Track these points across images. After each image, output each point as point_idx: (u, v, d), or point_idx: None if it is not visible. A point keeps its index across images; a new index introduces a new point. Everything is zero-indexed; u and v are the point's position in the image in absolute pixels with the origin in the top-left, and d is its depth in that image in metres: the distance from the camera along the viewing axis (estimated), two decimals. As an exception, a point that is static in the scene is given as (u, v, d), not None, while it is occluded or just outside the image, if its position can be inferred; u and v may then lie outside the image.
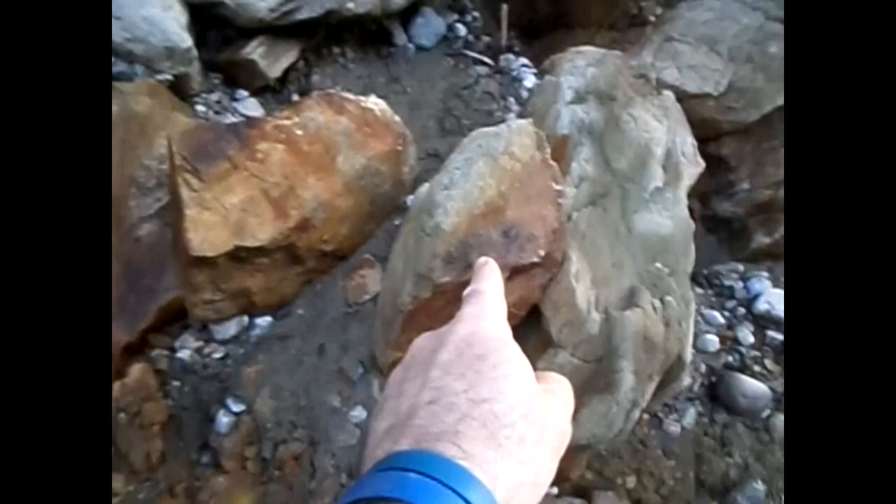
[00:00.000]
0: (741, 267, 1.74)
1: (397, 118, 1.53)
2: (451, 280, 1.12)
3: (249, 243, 1.18)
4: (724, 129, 1.60)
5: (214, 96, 1.65)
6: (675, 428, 1.46)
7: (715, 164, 1.71)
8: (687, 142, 1.48)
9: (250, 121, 1.29)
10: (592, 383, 1.12)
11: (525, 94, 1.83)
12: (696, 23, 1.64)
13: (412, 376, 0.34)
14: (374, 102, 1.50)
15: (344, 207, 1.42)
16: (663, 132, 1.42)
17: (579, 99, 1.54)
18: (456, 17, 1.94)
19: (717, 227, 1.80)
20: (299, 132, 1.33)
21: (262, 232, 1.21)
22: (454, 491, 0.27)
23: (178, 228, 1.18)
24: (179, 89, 1.53)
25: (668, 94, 1.58)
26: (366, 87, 1.81)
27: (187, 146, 1.15)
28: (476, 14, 1.98)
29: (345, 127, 1.41)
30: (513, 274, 1.13)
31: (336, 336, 1.40)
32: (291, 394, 1.34)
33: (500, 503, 0.28)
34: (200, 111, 1.60)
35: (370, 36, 1.86)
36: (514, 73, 1.87)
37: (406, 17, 1.87)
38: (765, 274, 1.71)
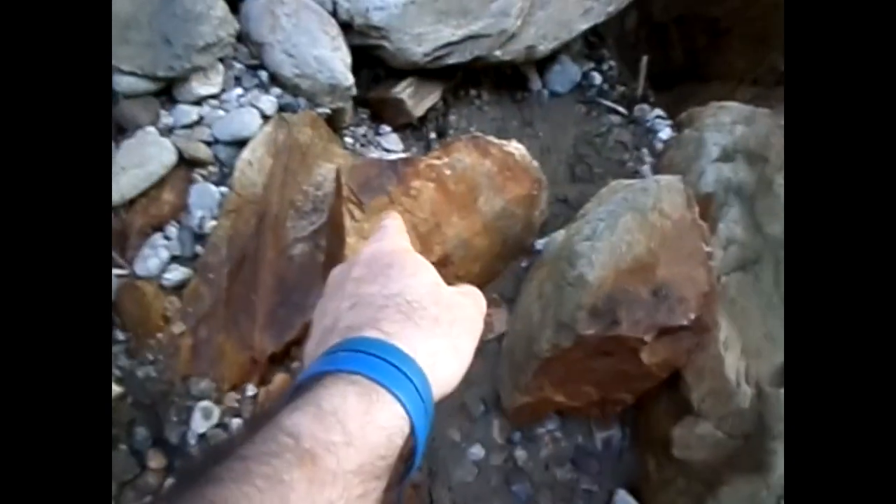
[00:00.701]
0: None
1: (535, 163, 1.55)
2: (595, 333, 1.11)
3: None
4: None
5: (361, 130, 1.76)
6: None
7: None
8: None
9: (407, 159, 1.36)
10: (738, 461, 1.06)
11: (659, 146, 1.80)
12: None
13: (331, 295, 0.40)
14: (516, 147, 1.53)
15: (480, 246, 1.45)
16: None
17: (726, 157, 1.50)
18: (592, 65, 1.96)
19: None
20: (448, 172, 1.38)
21: (409, 265, 1.26)
22: (379, 357, 0.32)
23: (335, 253, 1.25)
24: (333, 122, 1.65)
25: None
26: (499, 130, 1.86)
27: (354, 179, 1.22)
28: (612, 63, 1.99)
29: (488, 169, 1.45)
30: (659, 334, 1.10)
31: (460, 372, 1.42)
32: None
33: (423, 367, 0.33)
34: (348, 143, 1.71)
35: (505, 80, 1.91)
36: (649, 125, 1.85)
37: (543, 63, 1.92)
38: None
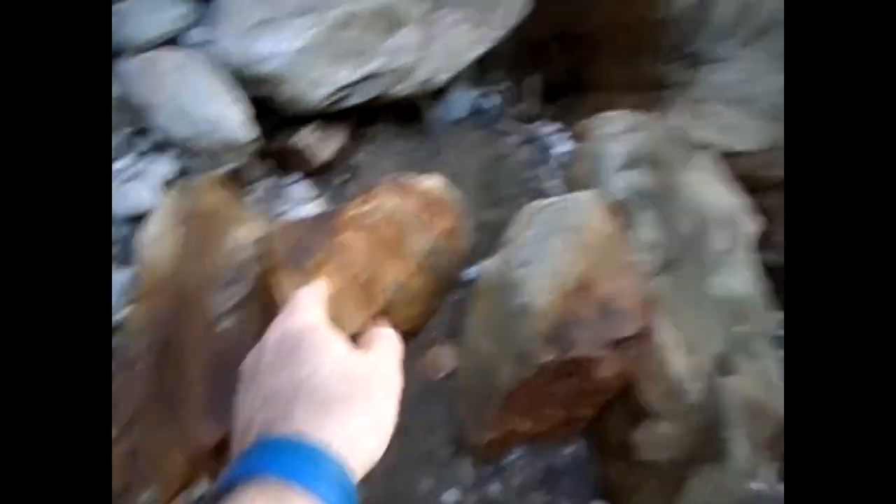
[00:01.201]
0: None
1: (456, 193, 1.56)
2: (554, 359, 1.13)
3: (345, 334, 1.18)
4: (767, 185, 1.67)
5: (267, 183, 1.67)
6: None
7: (760, 215, 1.78)
8: (737, 200, 1.54)
9: (333, 212, 1.30)
10: (700, 453, 1.13)
11: (560, 160, 1.89)
12: (727, 84, 1.73)
13: (244, 389, 0.39)
14: (435, 182, 1.53)
15: (416, 287, 1.42)
16: (714, 195, 1.48)
17: (629, 165, 1.60)
18: (485, 89, 2.01)
19: (767, 276, 1.85)
20: (375, 218, 1.35)
21: (354, 321, 1.21)
22: (291, 455, 0.32)
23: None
24: (238, 179, 1.55)
25: (709, 152, 1.66)
26: (407, 163, 1.85)
27: (283, 244, 1.15)
28: (503, 85, 2.06)
29: (412, 209, 1.42)
30: (611, 348, 1.14)
31: (418, 416, 1.38)
32: (381, 479, 1.31)
33: (341, 452, 0.33)
34: (257, 198, 1.61)
35: (403, 113, 1.91)
36: (546, 141, 1.93)
37: (439, 92, 1.94)
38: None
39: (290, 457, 0.32)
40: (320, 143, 1.69)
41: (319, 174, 1.78)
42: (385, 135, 1.89)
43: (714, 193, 1.49)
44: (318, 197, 1.75)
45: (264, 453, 0.33)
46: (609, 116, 1.76)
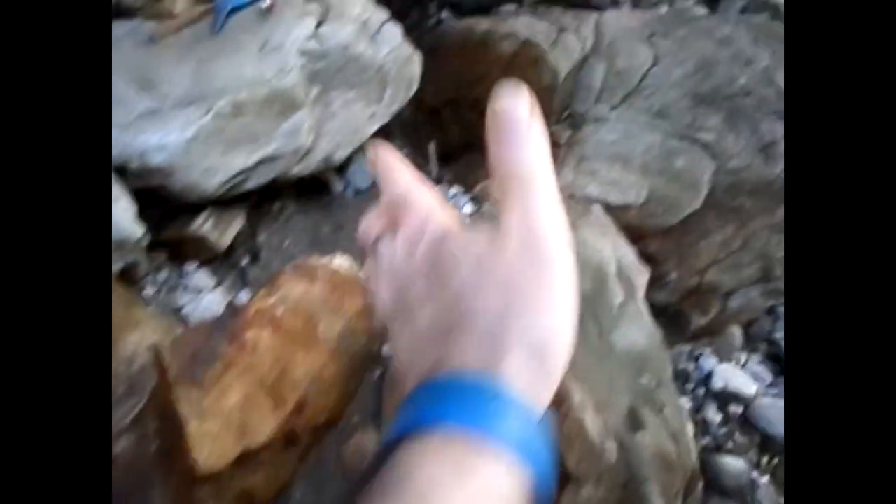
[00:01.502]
0: (687, 347, 1.92)
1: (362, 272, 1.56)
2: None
3: (254, 444, 1.13)
4: (649, 233, 1.81)
5: (162, 275, 1.59)
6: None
7: (644, 261, 1.92)
8: (628, 251, 1.66)
9: (233, 310, 1.26)
10: (623, 510, 1.17)
11: (466, 221, 1.94)
12: (605, 143, 1.88)
13: (400, 321, 0.33)
14: (341, 262, 1.53)
15: (331, 375, 1.39)
16: (610, 249, 1.59)
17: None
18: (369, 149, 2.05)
19: (658, 315, 1.99)
20: (280, 311, 1.32)
21: (264, 427, 1.16)
22: (464, 397, 0.27)
23: (175, 445, 1.09)
24: (128, 277, 1.46)
25: (597, 207, 1.78)
26: (313, 239, 1.83)
27: (180, 354, 1.09)
28: (405, 152, 2.11)
29: (320, 293, 1.42)
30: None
31: (345, 512, 1.33)
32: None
33: (519, 384, 0.27)
34: (150, 294, 1.52)
35: (307, 187, 1.90)
36: (450, 202, 1.99)
37: (341, 165, 1.95)
38: (709, 350, 1.92)
39: (464, 401, 0.26)
40: (217, 229, 1.64)
41: (222, 259, 1.72)
42: (288, 211, 1.87)
43: (608, 248, 1.59)
44: (218, 284, 1.69)
45: (431, 404, 0.27)
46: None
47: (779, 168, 1.64)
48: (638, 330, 1.44)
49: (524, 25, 2.09)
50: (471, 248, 0.30)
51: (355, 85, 1.66)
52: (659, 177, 1.74)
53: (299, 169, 1.65)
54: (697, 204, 1.67)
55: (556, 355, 0.28)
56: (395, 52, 1.71)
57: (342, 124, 1.69)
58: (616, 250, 1.61)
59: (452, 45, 2.31)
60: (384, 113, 1.77)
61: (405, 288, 0.32)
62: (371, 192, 2.00)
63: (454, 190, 2.02)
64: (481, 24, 2.21)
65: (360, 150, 1.91)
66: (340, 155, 1.73)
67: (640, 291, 1.55)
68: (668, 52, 1.91)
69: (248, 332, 1.24)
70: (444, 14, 2.44)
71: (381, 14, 1.73)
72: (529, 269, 0.28)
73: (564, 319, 0.28)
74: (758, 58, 1.75)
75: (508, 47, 2.12)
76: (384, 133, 2.13)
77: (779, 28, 1.86)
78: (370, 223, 0.36)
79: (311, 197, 1.91)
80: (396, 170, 0.35)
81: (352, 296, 1.50)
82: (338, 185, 1.95)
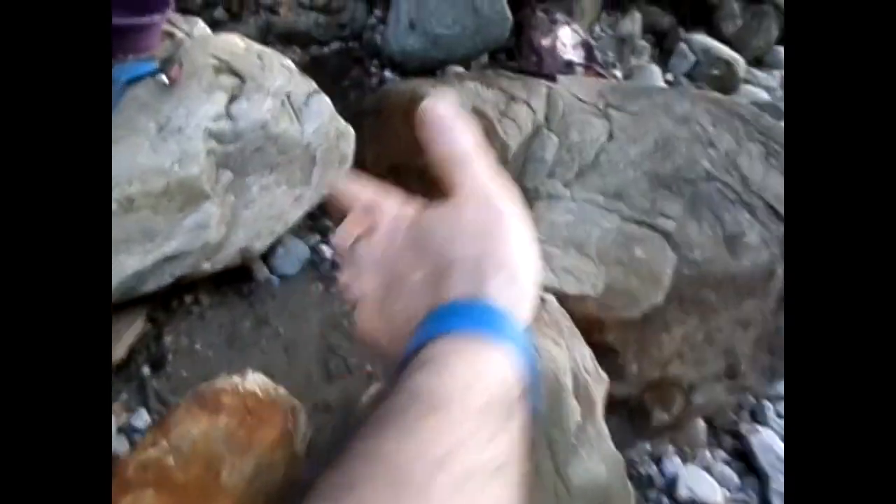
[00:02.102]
0: (648, 447, 1.76)
1: (282, 390, 1.33)
2: None
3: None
4: (607, 325, 1.66)
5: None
6: None
7: (601, 351, 1.76)
8: (585, 355, 1.49)
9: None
10: None
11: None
12: (559, 226, 1.73)
13: (394, 294, 0.40)
14: (253, 381, 1.30)
15: (238, 529, 1.15)
16: (565, 357, 1.42)
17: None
18: (318, 237, 1.84)
19: (617, 408, 1.82)
20: (171, 460, 1.07)
21: None
22: (460, 313, 0.34)
23: None
24: None
25: (552, 300, 1.61)
26: (230, 338, 1.59)
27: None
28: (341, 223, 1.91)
29: (225, 428, 1.18)
30: None
31: None
32: None
33: (504, 303, 0.35)
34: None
35: (226, 276, 1.66)
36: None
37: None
38: (672, 449, 1.76)
39: (462, 317, 0.33)
40: (111, 339, 1.38)
41: (118, 369, 1.46)
42: (202, 306, 1.62)
43: (563, 356, 1.42)
44: (114, 401, 1.42)
45: (436, 323, 0.34)
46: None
47: (745, 261, 1.51)
48: (598, 459, 1.26)
49: (471, 93, 1.94)
50: (441, 218, 0.38)
51: (276, 167, 1.45)
52: (617, 266, 1.59)
53: (210, 265, 1.43)
54: (659, 299, 1.53)
55: (526, 275, 0.36)
56: (323, 128, 1.52)
57: (262, 211, 1.47)
58: (573, 356, 1.44)
59: (395, 109, 2.13)
60: (312, 196, 1.57)
61: (393, 266, 0.39)
62: (298, 278, 1.78)
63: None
64: (426, 87, 2.05)
65: (280, 235, 1.70)
66: (261, 245, 1.51)
67: (600, 407, 1.37)
68: (624, 127, 1.79)
69: (125, 497, 1.00)
70: (387, 73, 2.27)
71: (307, 85, 1.53)
72: (490, 219, 0.37)
73: (525, 248, 0.37)
74: (719, 140, 1.64)
75: (454, 115, 1.96)
76: (319, 207, 1.92)
77: (737, 107, 1.77)
78: (345, 231, 0.43)
79: (231, 286, 1.68)
80: (359, 187, 0.44)
81: (266, 423, 1.27)
82: (261, 273, 1.71)
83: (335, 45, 2.26)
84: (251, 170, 1.41)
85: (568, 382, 1.37)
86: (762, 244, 1.50)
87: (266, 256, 1.74)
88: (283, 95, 1.45)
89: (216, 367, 1.55)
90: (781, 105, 3.10)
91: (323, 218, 1.89)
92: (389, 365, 0.36)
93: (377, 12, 2.40)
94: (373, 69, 2.29)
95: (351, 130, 1.62)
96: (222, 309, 1.64)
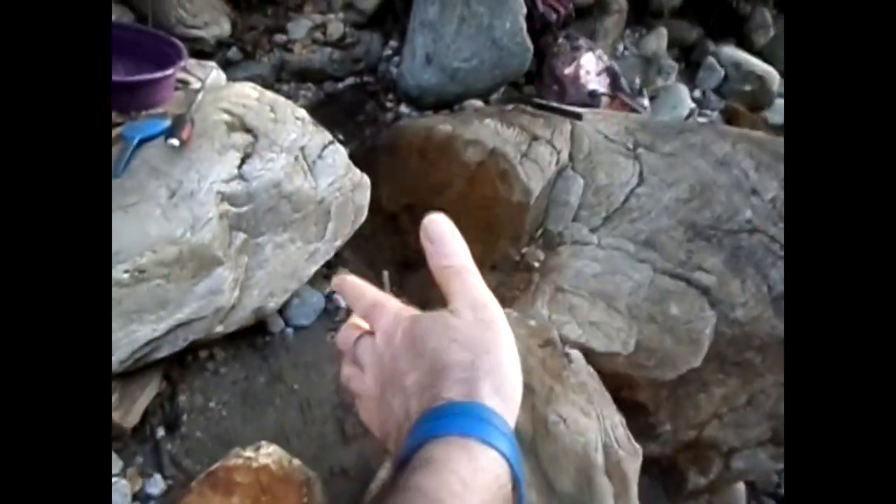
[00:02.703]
0: (684, 508, 1.67)
1: (296, 462, 1.28)
2: None
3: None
4: (638, 384, 1.57)
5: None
6: None
7: (632, 408, 1.67)
8: (616, 423, 1.40)
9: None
10: None
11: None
12: (586, 275, 1.64)
13: (390, 393, 0.42)
14: (267, 454, 1.24)
15: None
16: (595, 428, 1.33)
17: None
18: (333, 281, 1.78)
19: (649, 467, 1.73)
20: (179, 558, 1.02)
21: None
22: (455, 415, 0.36)
23: None
24: None
25: (578, 356, 1.52)
26: (244, 395, 1.54)
27: None
28: (355, 264, 1.85)
29: (238, 512, 1.13)
30: None
31: None
32: None
33: (491, 405, 0.37)
34: None
35: (240, 329, 1.61)
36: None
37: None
38: (709, 511, 1.67)
39: (458, 419, 0.35)
40: (124, 406, 1.34)
41: (133, 432, 1.42)
42: (219, 359, 1.57)
43: (593, 427, 1.34)
44: (129, 466, 1.38)
45: (434, 423, 0.35)
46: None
47: (787, 321, 1.41)
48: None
49: (491, 132, 1.86)
50: (437, 324, 0.40)
51: (290, 224, 1.40)
52: (650, 323, 1.50)
53: (223, 328, 1.38)
54: (696, 362, 1.43)
55: (512, 386, 0.39)
56: (338, 182, 1.46)
57: (275, 270, 1.42)
58: (603, 427, 1.36)
59: (411, 146, 2.07)
60: (327, 249, 1.52)
61: (391, 365, 0.41)
62: (313, 329, 1.72)
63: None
64: (443, 124, 1.98)
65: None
66: (275, 303, 1.46)
67: (634, 484, 1.29)
68: (656, 170, 1.69)
69: None
70: (403, 108, 2.21)
71: (322, 137, 1.47)
72: (481, 330, 0.39)
73: (512, 360, 0.39)
74: (763, 187, 1.53)
75: (474, 156, 1.88)
76: (334, 255, 1.87)
77: (782, 148, 1.66)
78: (347, 332, 0.46)
79: (246, 338, 1.63)
80: (361, 289, 0.46)
81: (282, 500, 1.22)
82: (276, 325, 1.66)
83: (350, 80, 2.20)
84: (265, 229, 1.36)
85: (599, 459, 1.29)
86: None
87: (281, 308, 1.69)
88: (296, 150, 1.40)
89: (231, 426, 1.51)
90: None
91: (338, 266, 1.84)
92: (389, 453, 0.39)
93: (392, 44, 2.34)
94: (388, 104, 2.23)
95: (366, 180, 1.56)
96: (237, 363, 1.59)
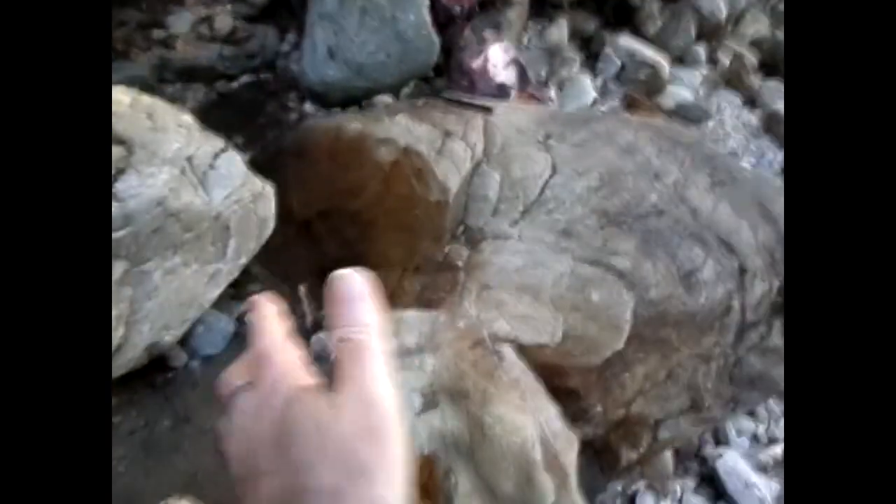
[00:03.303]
0: (619, 487, 1.69)
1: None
2: None
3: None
4: (567, 372, 1.56)
5: None
6: None
7: (564, 395, 1.67)
8: (552, 415, 1.38)
9: None
10: None
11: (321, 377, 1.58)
12: (509, 270, 1.61)
13: (247, 486, 0.35)
14: (178, 506, 1.10)
15: None
16: (532, 426, 1.30)
17: (429, 403, 1.35)
18: (241, 306, 1.63)
19: (584, 449, 1.74)
20: None
21: None
22: None
23: None
24: None
25: (508, 352, 1.49)
26: (146, 444, 1.37)
27: None
28: (267, 281, 1.70)
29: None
30: None
31: None
32: None
33: None
34: None
35: (136, 371, 1.43)
36: (332, 356, 1.61)
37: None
38: (642, 484, 1.69)
39: None
40: None
41: None
42: (114, 405, 1.39)
43: (529, 423, 1.30)
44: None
45: None
46: (399, 319, 1.51)
47: (703, 297, 1.45)
48: (579, 546, 1.14)
49: (403, 129, 1.78)
50: (312, 416, 0.33)
51: (181, 246, 1.25)
52: (574, 312, 1.49)
53: (114, 367, 1.20)
54: (619, 345, 1.44)
55: None
56: (236, 193, 1.32)
57: (168, 299, 1.26)
58: (538, 420, 1.32)
59: (320, 147, 1.95)
60: (230, 269, 1.38)
61: (253, 452, 0.34)
62: (223, 357, 1.57)
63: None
64: (353, 122, 1.88)
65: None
66: (172, 336, 1.31)
67: (573, 474, 1.26)
68: (568, 160, 1.69)
69: None
70: (307, 107, 2.07)
71: (213, 144, 1.33)
72: (361, 441, 0.32)
73: (394, 490, 0.31)
74: (665, 172, 1.57)
75: (387, 155, 1.80)
76: (244, 272, 1.72)
77: (679, 134, 1.71)
78: (230, 374, 0.38)
79: (143, 379, 1.44)
80: (268, 324, 0.38)
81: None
82: (178, 359, 1.49)
83: (245, 79, 2.04)
84: (150, 254, 1.20)
85: (537, 455, 1.25)
86: (717, 279, 1.44)
87: (183, 338, 1.52)
88: (182, 161, 1.24)
89: (132, 482, 1.33)
90: (704, 105, 3.14)
91: (247, 285, 1.69)
92: None
93: (290, 38, 2.19)
94: (290, 103, 2.09)
95: (270, 190, 1.43)
96: (133, 410, 1.40)
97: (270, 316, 0.39)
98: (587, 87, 3.00)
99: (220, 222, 1.30)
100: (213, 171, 1.30)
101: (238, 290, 1.67)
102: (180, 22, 1.91)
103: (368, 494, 0.31)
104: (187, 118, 1.33)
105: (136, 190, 1.16)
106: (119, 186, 1.15)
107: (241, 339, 1.59)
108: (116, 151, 1.19)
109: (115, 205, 1.14)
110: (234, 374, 0.37)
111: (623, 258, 1.49)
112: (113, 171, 1.16)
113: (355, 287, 0.36)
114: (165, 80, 1.86)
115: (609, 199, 1.56)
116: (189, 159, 1.26)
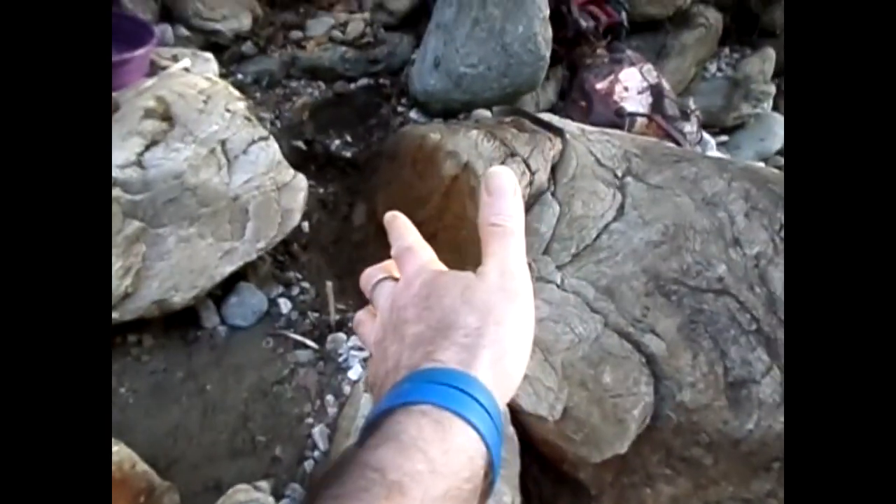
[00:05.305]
0: None
1: (142, 466, 1.20)
2: None
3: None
4: (573, 461, 1.27)
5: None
6: None
7: (573, 487, 1.37)
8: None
9: None
10: None
11: (348, 388, 1.53)
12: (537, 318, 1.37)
13: (390, 339, 0.40)
14: (115, 451, 1.19)
15: None
16: None
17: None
18: (281, 289, 1.70)
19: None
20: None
21: None
22: (442, 384, 0.33)
23: None
24: None
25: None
26: (156, 386, 1.51)
27: None
28: (305, 285, 1.75)
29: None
30: None
31: None
32: None
33: (485, 382, 0.34)
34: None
35: (177, 318, 1.60)
36: (342, 359, 1.58)
37: (223, 291, 1.63)
38: None
39: (443, 388, 0.33)
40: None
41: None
42: (146, 346, 1.57)
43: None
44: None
45: (417, 386, 0.34)
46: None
47: (752, 422, 1.04)
48: None
49: (471, 144, 1.67)
50: (458, 282, 0.39)
51: (197, 219, 1.34)
52: (581, 389, 1.21)
53: (118, 315, 1.35)
54: (622, 447, 1.12)
55: (515, 362, 0.37)
56: (257, 180, 1.37)
57: (179, 264, 1.37)
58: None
59: (407, 153, 1.93)
60: (246, 250, 1.44)
61: (400, 313, 0.40)
62: (250, 332, 1.65)
63: (350, 343, 1.61)
64: (435, 132, 1.82)
65: (253, 268, 1.59)
66: (181, 298, 1.41)
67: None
68: (638, 203, 1.38)
69: None
70: (413, 114, 2.08)
71: (252, 132, 1.41)
72: (501, 299, 0.38)
73: (523, 336, 0.38)
74: (749, 238, 1.16)
75: (450, 169, 1.70)
76: (290, 256, 1.79)
77: (779, 189, 1.26)
78: (372, 272, 0.45)
79: (178, 329, 1.60)
80: (405, 230, 0.46)
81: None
82: (211, 319, 1.62)
83: (363, 82, 2.13)
84: (167, 221, 1.32)
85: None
86: (778, 403, 1.01)
87: (220, 303, 1.64)
88: (214, 143, 1.34)
89: (131, 416, 1.49)
90: None
91: (290, 270, 1.76)
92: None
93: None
94: (401, 108, 2.12)
95: (302, 182, 1.46)
96: (161, 353, 1.57)
97: (407, 224, 0.46)
98: (776, 129, 2.44)
99: (238, 204, 1.37)
100: (244, 156, 1.38)
101: (281, 272, 1.75)
102: (318, 25, 2.09)
103: (504, 335, 0.36)
104: (241, 105, 1.43)
105: (158, 161, 1.28)
106: (146, 156, 1.29)
107: (271, 317, 1.67)
108: (158, 126, 1.33)
109: (138, 171, 1.27)
110: (377, 270, 0.44)
111: (658, 339, 1.15)
112: (147, 143, 1.30)
113: (509, 183, 0.40)
114: (291, 76, 2.05)
115: (666, 259, 1.22)
116: (223, 142, 1.35)
